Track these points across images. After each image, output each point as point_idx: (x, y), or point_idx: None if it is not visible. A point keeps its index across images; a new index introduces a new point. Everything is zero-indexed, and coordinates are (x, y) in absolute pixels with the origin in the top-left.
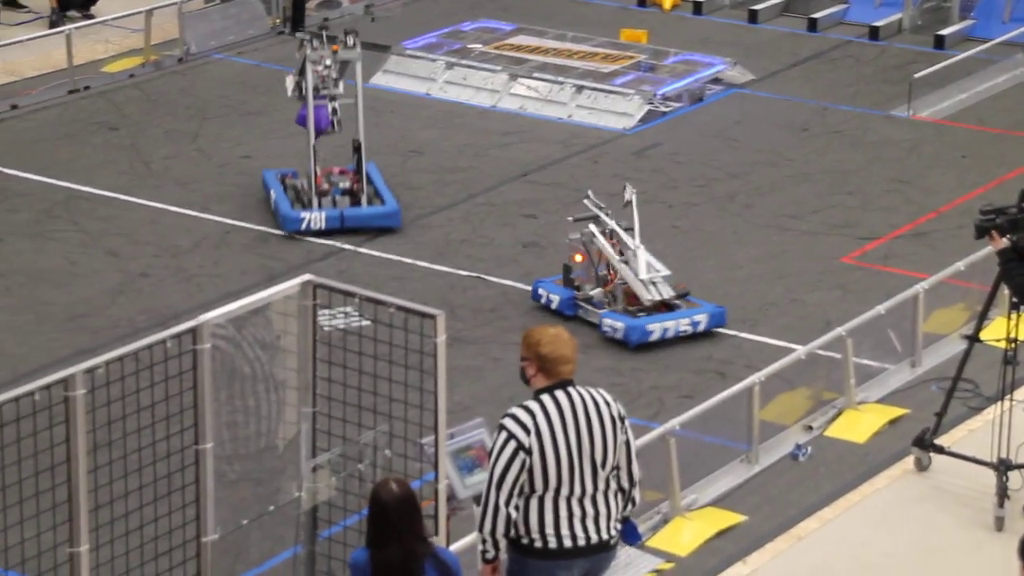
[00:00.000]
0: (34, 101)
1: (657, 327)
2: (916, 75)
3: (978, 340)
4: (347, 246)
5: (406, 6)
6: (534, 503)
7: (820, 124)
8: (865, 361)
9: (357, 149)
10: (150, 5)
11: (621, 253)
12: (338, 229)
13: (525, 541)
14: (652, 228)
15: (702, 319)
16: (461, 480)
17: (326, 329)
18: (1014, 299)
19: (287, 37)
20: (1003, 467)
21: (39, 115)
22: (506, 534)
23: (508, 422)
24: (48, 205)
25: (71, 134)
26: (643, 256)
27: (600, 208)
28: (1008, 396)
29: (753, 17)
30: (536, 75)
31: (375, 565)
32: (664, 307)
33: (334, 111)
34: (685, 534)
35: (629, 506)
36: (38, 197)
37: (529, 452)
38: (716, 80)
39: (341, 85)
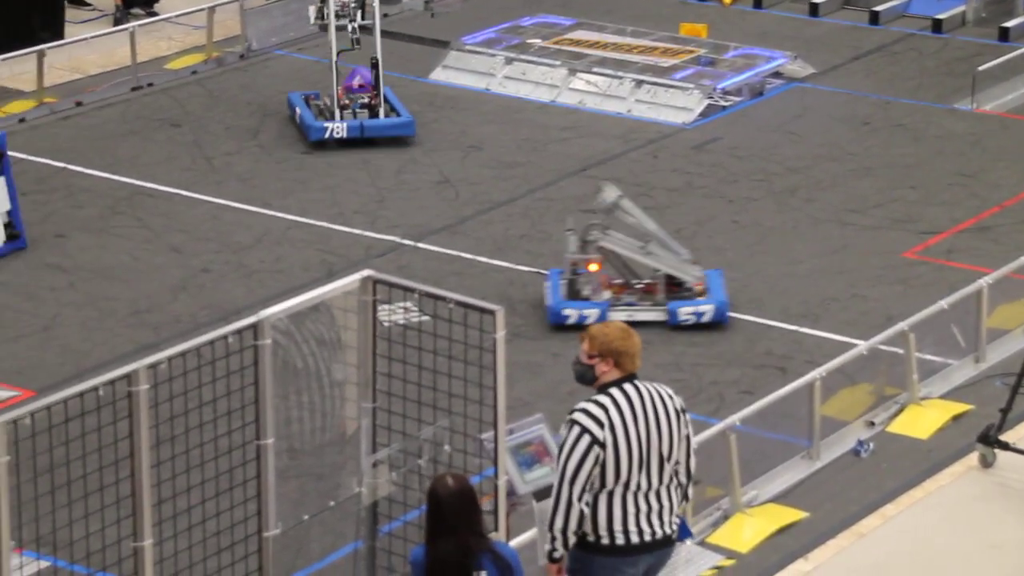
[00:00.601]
0: (98, 98)
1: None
2: (980, 68)
3: None
4: (406, 241)
5: (466, 2)
6: (603, 499)
7: (882, 118)
8: (928, 356)
9: (375, 66)
10: (213, 2)
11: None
12: (358, 138)
13: (591, 539)
14: (712, 223)
15: (708, 310)
16: (521, 476)
17: (386, 324)
18: None
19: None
20: None
21: (103, 112)
22: (577, 531)
23: (581, 417)
24: (112, 201)
25: (134, 131)
26: (672, 242)
27: (605, 208)
28: None
29: (814, 10)
30: (595, 70)
31: (431, 560)
32: (691, 293)
33: (354, 30)
34: (746, 530)
35: (683, 501)
36: (102, 193)
37: (603, 446)
38: (776, 74)
39: (360, 14)
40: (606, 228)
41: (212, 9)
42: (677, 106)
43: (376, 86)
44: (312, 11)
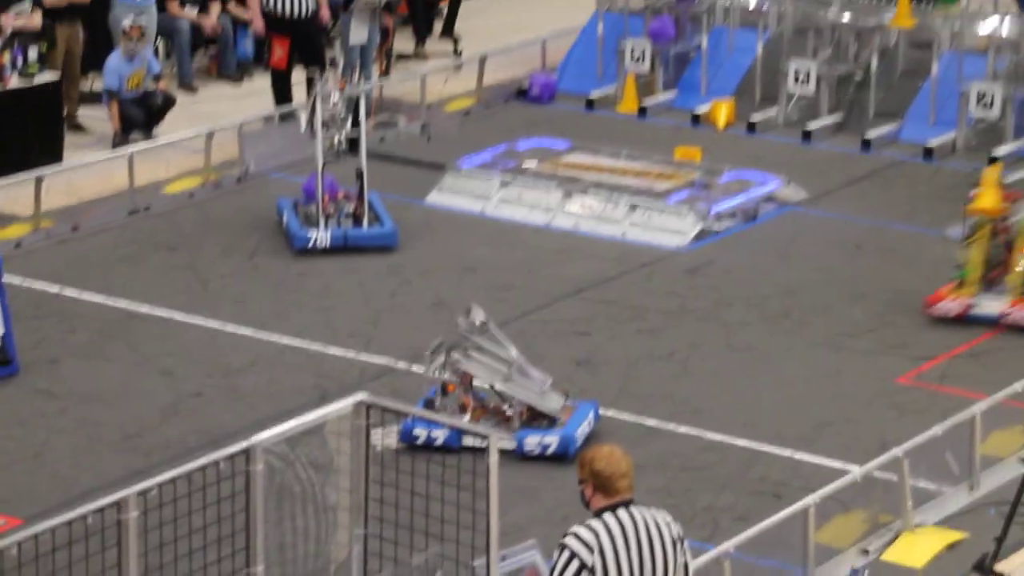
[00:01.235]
0: (95, 223)
1: (579, 433)
2: (971, 194)
3: None
4: (400, 364)
5: (461, 125)
6: None
7: (874, 243)
8: (922, 483)
9: (359, 177)
10: (211, 126)
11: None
12: (341, 247)
13: None
14: (706, 346)
15: (591, 416)
16: None
17: (378, 449)
18: None
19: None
20: None
21: (99, 236)
22: None
23: (571, 541)
24: (104, 325)
25: (130, 255)
26: (532, 370)
27: (472, 330)
28: None
29: (807, 136)
30: (590, 193)
31: None
32: (551, 421)
33: (340, 142)
34: None
35: None
36: (95, 317)
37: (592, 572)
38: (770, 198)
39: (349, 121)
40: (467, 351)
41: (211, 133)
42: (671, 229)
43: (361, 196)
44: (303, 119)
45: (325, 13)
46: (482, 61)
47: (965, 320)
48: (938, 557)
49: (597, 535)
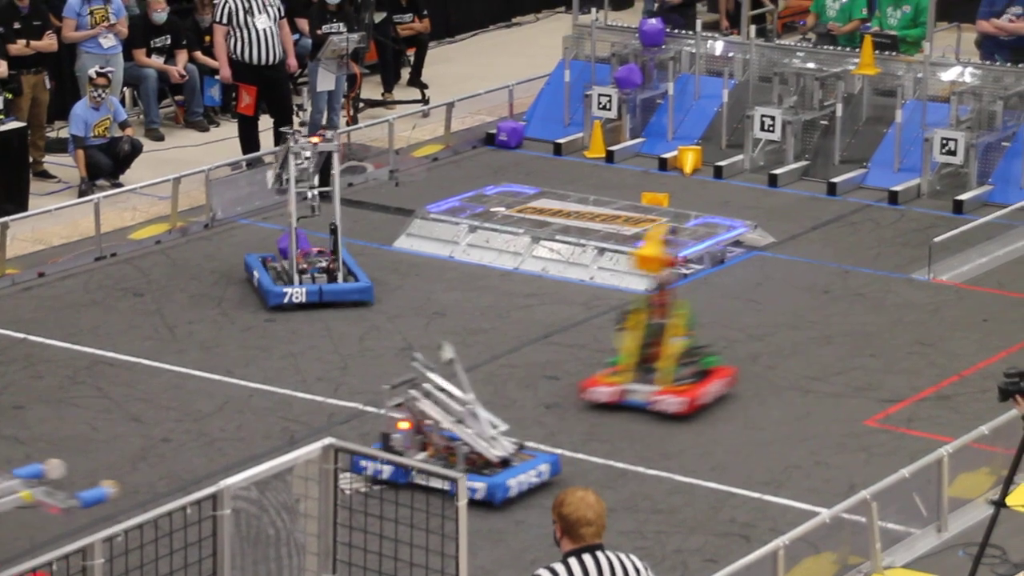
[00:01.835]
0: (61, 269)
1: (514, 482)
2: (936, 239)
3: (1004, 505)
4: (369, 408)
5: (429, 171)
6: None
7: (841, 287)
8: (891, 525)
9: (333, 232)
10: (178, 173)
11: (459, 415)
12: (316, 303)
13: None
14: None
15: (544, 469)
16: None
17: (347, 493)
18: None
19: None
20: None
21: (65, 282)
22: None
23: None
24: (72, 371)
25: (96, 301)
26: (482, 414)
27: (429, 369)
28: None
29: (773, 181)
30: (558, 238)
31: None
32: (504, 464)
33: (313, 196)
34: None
35: None
36: (62, 363)
37: None
38: (737, 243)
39: (317, 177)
40: (424, 389)
41: (178, 180)
42: (639, 273)
43: (335, 251)
44: (270, 176)
45: (292, 61)
46: (450, 108)
47: (621, 406)
48: None
49: None
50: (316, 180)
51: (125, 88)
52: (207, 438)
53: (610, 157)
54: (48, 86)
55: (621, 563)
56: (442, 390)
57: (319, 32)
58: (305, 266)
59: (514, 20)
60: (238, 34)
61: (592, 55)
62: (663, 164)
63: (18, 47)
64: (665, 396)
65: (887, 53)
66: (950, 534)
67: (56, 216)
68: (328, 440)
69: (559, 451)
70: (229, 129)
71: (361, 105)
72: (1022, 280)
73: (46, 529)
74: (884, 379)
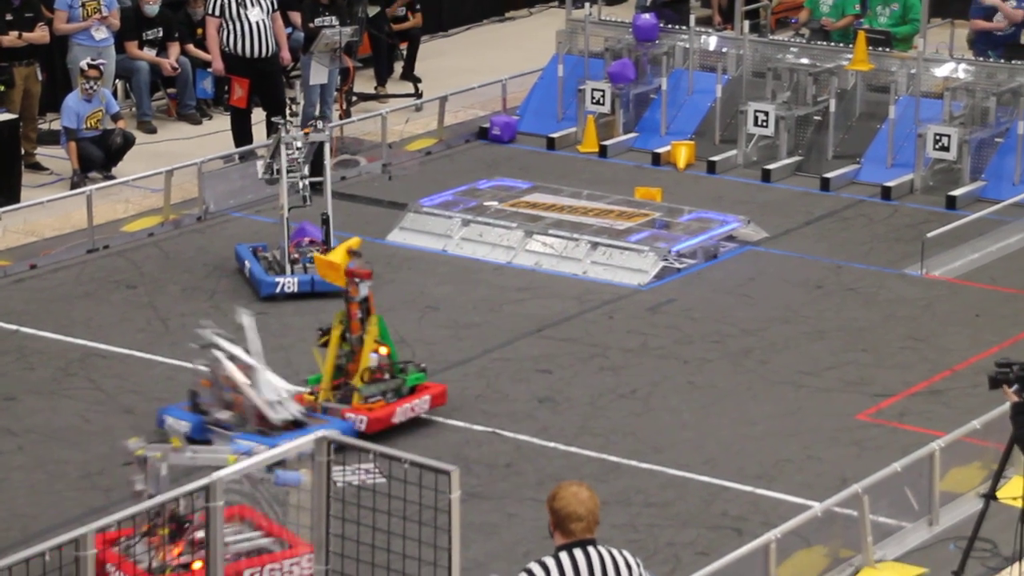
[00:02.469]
0: (53, 261)
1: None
2: (929, 234)
3: (994, 499)
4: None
5: (423, 165)
6: None
7: (834, 282)
8: (882, 519)
9: (325, 222)
10: (170, 165)
11: (248, 377)
12: (309, 292)
13: None
14: (667, 384)
15: (331, 435)
16: None
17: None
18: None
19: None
20: None
21: (58, 274)
22: None
23: None
24: (64, 363)
25: (89, 293)
26: (265, 377)
27: (219, 335)
28: None
29: (766, 176)
30: (551, 232)
31: None
32: (295, 425)
33: (304, 187)
34: None
35: None
36: (54, 355)
37: None
38: (730, 238)
39: (308, 167)
40: (224, 351)
41: (170, 172)
42: (632, 268)
43: (327, 241)
44: (260, 166)
45: (286, 54)
46: (443, 102)
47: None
48: None
49: (548, 572)
50: (307, 170)
51: (117, 80)
52: None
53: (603, 152)
54: (40, 78)
55: (612, 558)
56: (232, 357)
57: (312, 25)
58: (297, 256)
59: (507, 14)
60: (231, 27)
61: (586, 50)
62: (656, 159)
63: (10, 39)
64: (351, 414)
65: (880, 49)
66: (941, 527)
67: (48, 208)
68: (322, 432)
69: (551, 444)
70: (222, 122)
71: (354, 99)
72: (1014, 275)
73: (39, 520)
74: (876, 374)
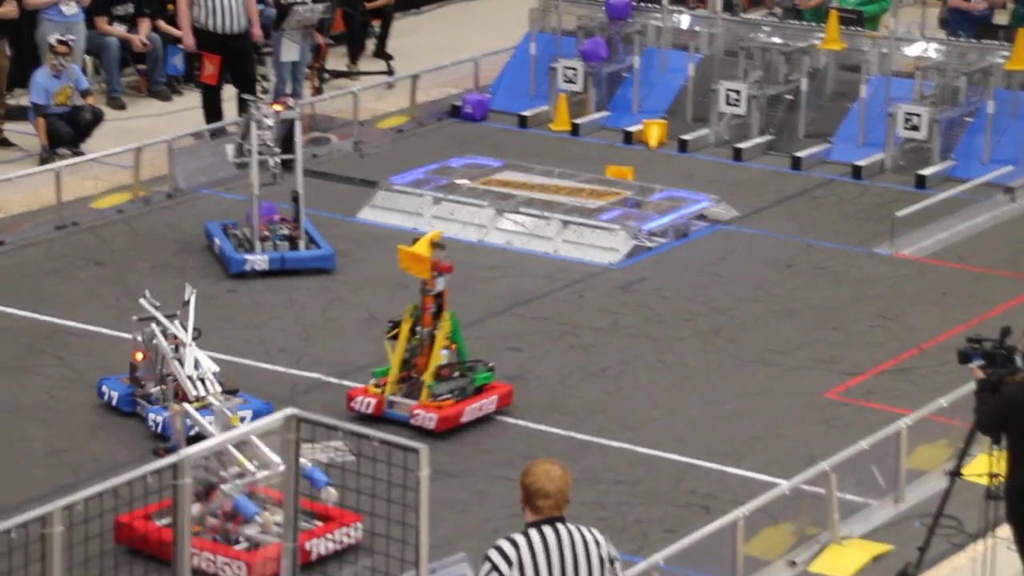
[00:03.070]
0: (21, 237)
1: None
2: (898, 214)
3: (960, 476)
4: (331, 379)
5: (394, 143)
6: None
7: (804, 261)
8: (849, 496)
9: (295, 199)
10: (140, 142)
11: (177, 351)
12: (279, 270)
13: None
14: (637, 362)
15: (247, 415)
16: None
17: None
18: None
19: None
20: None
21: (26, 251)
22: None
23: (492, 553)
24: (32, 340)
25: (57, 269)
26: (192, 353)
27: (156, 308)
28: (991, 533)
29: (738, 155)
30: (522, 210)
31: None
32: (206, 406)
33: (275, 164)
34: None
35: None
36: (22, 332)
37: None
38: (701, 216)
39: (278, 146)
40: (159, 326)
41: (140, 149)
42: (603, 247)
43: (297, 219)
44: (230, 149)
45: (257, 31)
46: (415, 79)
47: (384, 418)
48: (864, 568)
49: (518, 548)
50: (278, 148)
51: (87, 56)
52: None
53: (575, 130)
54: (8, 53)
55: (582, 536)
56: (165, 332)
57: (283, 2)
58: (267, 233)
59: None
60: (202, 2)
61: (558, 28)
62: (628, 137)
63: None
64: (420, 411)
65: (852, 28)
66: (907, 505)
67: (16, 184)
68: (290, 410)
69: (521, 422)
70: (192, 99)
71: (326, 76)
72: (982, 254)
73: (7, 497)
74: (845, 352)
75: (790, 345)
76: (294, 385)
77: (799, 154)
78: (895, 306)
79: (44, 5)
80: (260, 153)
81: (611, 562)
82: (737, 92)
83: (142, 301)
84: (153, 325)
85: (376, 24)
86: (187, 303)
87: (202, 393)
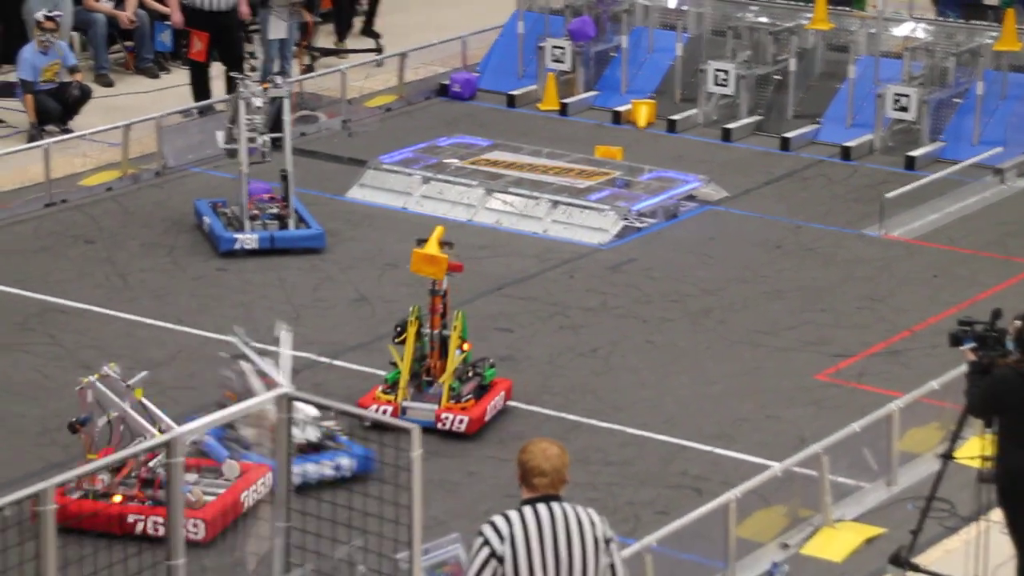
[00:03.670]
0: (10, 215)
1: (297, 469)
2: (887, 195)
3: (952, 459)
4: (322, 358)
5: (383, 122)
6: None
7: (793, 242)
8: (841, 479)
9: (284, 178)
10: (128, 119)
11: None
12: (268, 249)
13: None
14: (626, 343)
15: (347, 464)
16: None
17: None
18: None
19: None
20: None
21: (15, 228)
22: None
23: (485, 528)
24: (22, 318)
25: (47, 247)
26: (282, 390)
27: (247, 345)
28: (984, 516)
29: (727, 136)
30: (512, 190)
31: None
32: (312, 448)
33: (264, 143)
34: None
35: None
36: (12, 310)
37: (501, 560)
38: (690, 197)
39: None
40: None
41: (128, 126)
42: (593, 227)
43: (286, 198)
44: (220, 136)
45: (244, 8)
46: (403, 58)
47: None
48: (857, 551)
49: (511, 525)
50: (266, 129)
51: (74, 33)
52: (159, 387)
53: (564, 110)
54: None
55: (576, 515)
56: (260, 373)
57: None
58: (256, 212)
59: None
60: None
61: (546, 7)
62: (617, 117)
63: None
64: (450, 415)
65: (840, 8)
66: (899, 488)
67: (5, 161)
68: (282, 389)
69: (512, 403)
70: (180, 76)
71: (316, 54)
72: (972, 236)
73: None
74: (835, 334)
75: (779, 326)
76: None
77: (788, 135)
78: (884, 288)
79: None
80: (250, 140)
81: (606, 542)
82: (725, 72)
83: (233, 339)
84: (243, 364)
85: (364, 2)
86: (279, 341)
87: (306, 438)
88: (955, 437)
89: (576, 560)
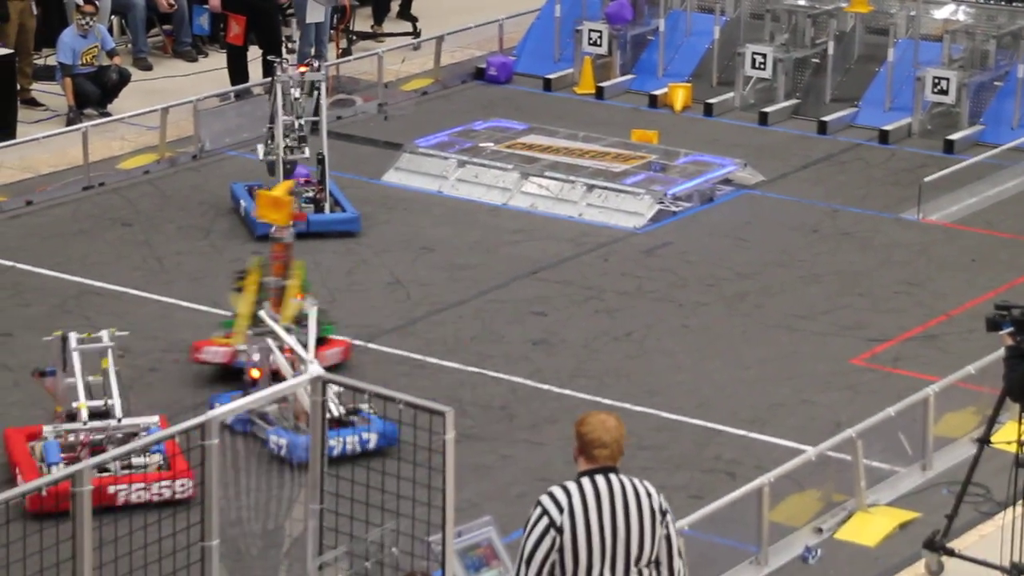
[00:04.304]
0: (49, 197)
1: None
2: (926, 179)
3: (988, 443)
4: (357, 341)
5: (418, 105)
6: None
7: (830, 226)
8: (875, 463)
9: (321, 162)
10: (166, 103)
11: (296, 369)
12: (303, 232)
13: None
14: (662, 326)
15: (371, 437)
16: None
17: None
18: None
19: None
20: (1015, 572)
21: (53, 211)
22: None
23: (544, 499)
24: (60, 300)
25: (85, 230)
26: (315, 372)
27: (275, 321)
28: (1020, 501)
29: (763, 119)
30: (547, 174)
31: None
32: (336, 424)
33: (300, 127)
34: None
35: None
36: (50, 292)
37: (560, 531)
38: (726, 181)
39: (308, 106)
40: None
41: (166, 110)
42: (628, 211)
43: (322, 181)
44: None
45: None
46: (439, 41)
47: (233, 368)
48: (891, 536)
49: (570, 496)
50: (305, 110)
51: (113, 16)
52: (195, 369)
53: (600, 93)
54: (35, 12)
55: (633, 487)
56: (282, 347)
57: None
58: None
59: None
60: None
61: None
62: (653, 101)
63: None
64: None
65: None
66: (934, 472)
67: (44, 144)
68: (316, 371)
69: (545, 387)
70: (217, 60)
71: (353, 38)
72: (1011, 220)
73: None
74: (871, 318)
75: (815, 311)
76: None
77: (825, 118)
78: (922, 272)
79: None
80: (287, 137)
81: (663, 514)
82: (763, 55)
83: (261, 314)
84: (269, 340)
85: None
86: (305, 317)
87: (328, 415)
88: (992, 422)
89: (634, 531)
